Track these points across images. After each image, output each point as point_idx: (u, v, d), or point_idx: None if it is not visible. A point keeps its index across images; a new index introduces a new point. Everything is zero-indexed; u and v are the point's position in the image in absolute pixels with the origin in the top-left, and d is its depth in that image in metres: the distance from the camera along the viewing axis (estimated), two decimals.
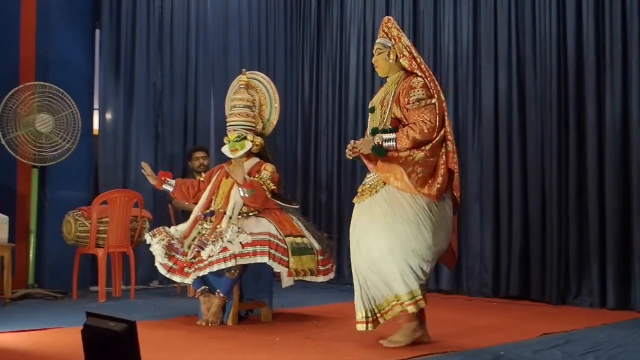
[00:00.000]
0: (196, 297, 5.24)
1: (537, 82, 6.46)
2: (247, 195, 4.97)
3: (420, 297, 4.05)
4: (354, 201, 4.34)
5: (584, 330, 4.84)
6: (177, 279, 4.98)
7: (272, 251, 4.85)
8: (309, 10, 8.71)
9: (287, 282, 4.99)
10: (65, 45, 7.11)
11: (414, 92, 4.15)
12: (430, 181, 4.08)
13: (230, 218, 5.02)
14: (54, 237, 6.57)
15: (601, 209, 6.02)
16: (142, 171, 5.44)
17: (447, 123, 4.19)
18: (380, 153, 4.13)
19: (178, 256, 4.98)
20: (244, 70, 5.73)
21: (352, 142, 4.28)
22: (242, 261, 4.82)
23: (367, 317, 4.15)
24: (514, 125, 6.59)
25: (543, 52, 6.42)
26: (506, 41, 6.70)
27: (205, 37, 8.02)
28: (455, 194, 4.21)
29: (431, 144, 4.08)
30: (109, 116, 7.35)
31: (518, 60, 6.63)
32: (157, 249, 5.02)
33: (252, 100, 5.41)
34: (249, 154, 5.30)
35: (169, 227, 5.29)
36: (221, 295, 5.00)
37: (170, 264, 4.96)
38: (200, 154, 7.00)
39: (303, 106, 8.67)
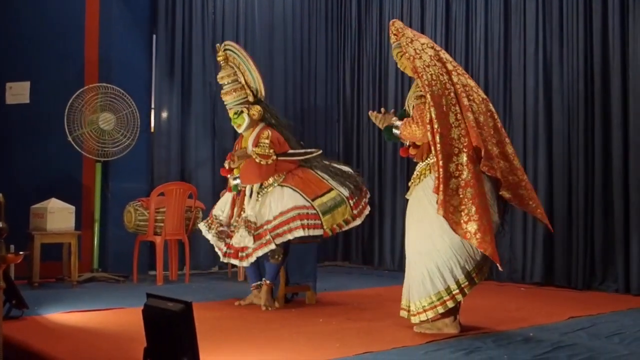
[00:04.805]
0: (250, 289, 5.22)
1: (564, 80, 6.34)
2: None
3: (447, 297, 3.89)
4: (405, 196, 4.26)
5: (609, 314, 4.76)
6: (233, 262, 5.04)
7: (304, 222, 4.86)
8: (349, 14, 8.66)
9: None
10: (126, 49, 7.18)
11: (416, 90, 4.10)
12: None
13: (250, 197, 5.00)
14: (116, 225, 6.65)
15: (625, 201, 5.88)
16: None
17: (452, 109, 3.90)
18: (389, 135, 4.13)
19: (228, 240, 5.02)
20: (217, 45, 5.39)
21: (374, 112, 4.24)
22: (280, 239, 4.85)
23: (407, 305, 4.09)
24: (542, 122, 6.47)
25: (570, 52, 6.29)
26: (534, 42, 6.58)
27: (252, 40, 8.02)
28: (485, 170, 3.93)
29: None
30: (164, 114, 7.40)
31: (545, 60, 6.50)
32: (210, 238, 5.12)
33: (234, 74, 5.19)
34: (254, 123, 5.16)
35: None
36: (267, 282, 5.02)
37: (225, 249, 5.02)
38: None
39: (344, 104, 8.63)
